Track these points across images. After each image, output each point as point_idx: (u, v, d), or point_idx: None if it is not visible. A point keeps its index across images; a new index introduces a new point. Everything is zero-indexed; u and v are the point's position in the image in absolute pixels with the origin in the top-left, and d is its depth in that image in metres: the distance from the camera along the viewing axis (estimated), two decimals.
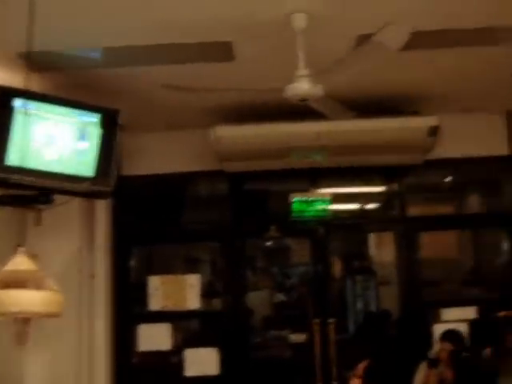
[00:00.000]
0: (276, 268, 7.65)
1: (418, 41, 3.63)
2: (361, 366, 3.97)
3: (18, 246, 4.87)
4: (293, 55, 3.40)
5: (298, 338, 5.39)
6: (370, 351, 4.59)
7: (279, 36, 3.58)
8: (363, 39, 3.42)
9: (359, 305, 7.16)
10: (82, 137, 4.24)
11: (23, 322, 4.86)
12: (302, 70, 3.36)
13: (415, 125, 4.70)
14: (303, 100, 3.43)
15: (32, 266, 2.71)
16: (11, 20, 3.24)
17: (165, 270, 5.54)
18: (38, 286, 2.59)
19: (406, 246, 5.40)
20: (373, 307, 7.07)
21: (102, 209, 5.22)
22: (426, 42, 3.84)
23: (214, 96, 4.37)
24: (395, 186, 5.50)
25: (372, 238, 7.06)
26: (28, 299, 2.55)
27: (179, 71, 4.14)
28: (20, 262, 2.69)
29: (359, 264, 7.26)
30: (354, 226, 5.67)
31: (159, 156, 5.36)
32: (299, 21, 3.37)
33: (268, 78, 3.76)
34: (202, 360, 5.17)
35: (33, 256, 4.99)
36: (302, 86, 3.34)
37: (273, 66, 3.97)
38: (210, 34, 3.67)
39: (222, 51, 3.88)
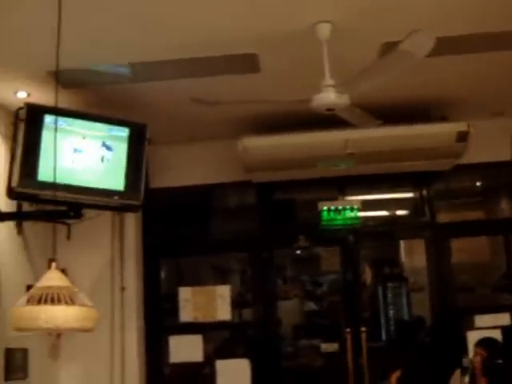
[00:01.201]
0: (306, 276, 7.61)
1: (445, 47, 3.61)
2: (394, 376, 3.93)
3: (51, 261, 4.97)
4: (318, 65, 3.41)
5: (329, 347, 5.35)
6: (404, 359, 4.55)
7: (304, 46, 3.59)
8: (389, 47, 3.41)
9: (391, 312, 7.07)
10: (111, 151, 4.29)
11: (55, 336, 4.94)
12: (328, 80, 3.37)
13: (444, 131, 4.66)
14: (330, 110, 3.43)
15: (65, 281, 2.74)
16: (40, 39, 3.30)
17: (194, 281, 5.56)
18: (72, 302, 2.62)
19: (437, 252, 5.35)
20: (405, 314, 6.99)
21: (131, 221, 5.26)
22: (453, 48, 3.82)
23: (241, 107, 4.39)
24: (425, 192, 5.45)
25: (402, 245, 7.00)
26: (62, 315, 2.56)
27: (205, 84, 4.17)
28: (53, 278, 2.71)
29: (390, 271, 7.19)
30: (383, 233, 5.62)
31: (187, 168, 5.38)
32: (324, 31, 3.38)
33: (294, 88, 3.78)
34: (234, 371, 5.17)
35: (62, 270, 5.07)
36: (328, 96, 3.35)
37: (298, 77, 3.98)
38: (235, 47, 3.69)
39: (247, 63, 3.90)
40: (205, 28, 3.44)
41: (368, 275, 6.95)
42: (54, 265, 2.79)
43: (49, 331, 2.67)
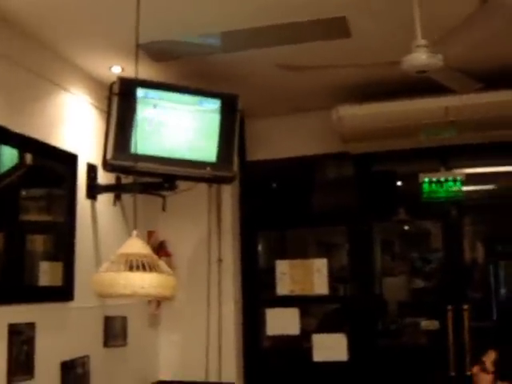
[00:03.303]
0: (415, 253, 7.35)
1: None
2: (488, 358, 3.58)
3: (151, 233, 5.09)
4: (410, 26, 3.20)
5: (430, 324, 5.15)
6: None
7: (395, 5, 3.39)
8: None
9: (503, 292, 6.71)
10: (203, 123, 4.29)
11: (155, 306, 5.07)
12: (420, 40, 3.13)
13: None
14: (421, 72, 3.21)
15: (146, 249, 2.76)
16: (129, 12, 3.30)
17: (292, 254, 5.51)
18: (150, 269, 2.63)
19: None
20: None
21: (228, 194, 5.27)
22: None
23: (334, 75, 4.25)
24: None
25: None
26: (139, 281, 2.59)
27: (296, 52, 4.05)
28: (133, 245, 2.74)
29: (502, 248, 6.81)
30: (489, 207, 5.27)
31: (283, 140, 5.32)
32: None
33: (387, 53, 3.57)
34: (331, 346, 5.09)
35: (161, 242, 5.18)
36: (419, 57, 3.12)
37: (392, 41, 3.76)
38: (324, 11, 3.55)
39: (336, 28, 3.74)
40: None
41: (479, 252, 6.62)
42: (134, 232, 2.81)
43: (127, 297, 2.69)
